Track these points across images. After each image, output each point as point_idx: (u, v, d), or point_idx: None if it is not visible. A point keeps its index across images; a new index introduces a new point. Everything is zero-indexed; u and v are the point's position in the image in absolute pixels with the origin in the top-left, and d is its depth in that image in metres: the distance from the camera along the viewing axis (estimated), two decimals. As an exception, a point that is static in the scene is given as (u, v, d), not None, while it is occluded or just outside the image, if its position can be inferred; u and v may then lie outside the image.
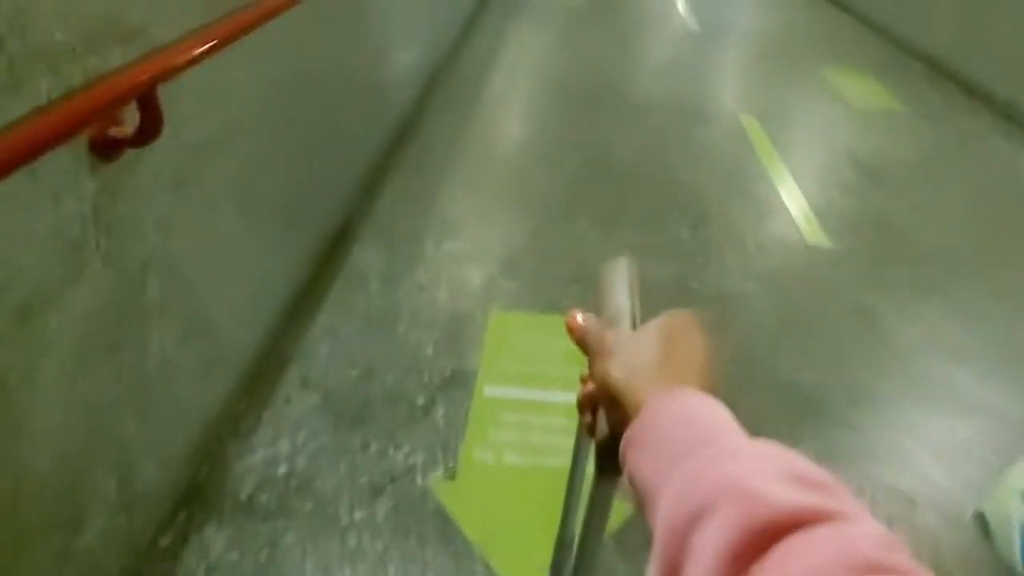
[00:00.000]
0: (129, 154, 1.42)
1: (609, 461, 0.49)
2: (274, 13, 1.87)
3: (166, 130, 1.42)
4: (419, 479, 1.92)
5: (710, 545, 0.34)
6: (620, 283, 0.60)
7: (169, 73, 1.44)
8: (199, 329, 1.89)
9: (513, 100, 4.73)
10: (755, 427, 0.43)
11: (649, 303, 0.59)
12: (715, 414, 0.44)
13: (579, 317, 0.56)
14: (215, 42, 1.53)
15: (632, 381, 0.48)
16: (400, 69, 4.00)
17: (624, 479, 0.46)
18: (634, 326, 0.55)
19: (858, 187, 3.75)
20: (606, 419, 0.51)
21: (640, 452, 0.44)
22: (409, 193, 3.42)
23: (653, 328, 0.52)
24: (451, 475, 1.95)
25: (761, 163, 3.97)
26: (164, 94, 1.39)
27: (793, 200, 3.55)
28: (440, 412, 2.16)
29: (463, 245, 3.05)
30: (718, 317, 2.64)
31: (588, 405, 0.55)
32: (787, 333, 2.59)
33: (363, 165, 3.37)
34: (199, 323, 1.88)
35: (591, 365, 0.54)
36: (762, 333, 2.58)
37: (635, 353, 0.50)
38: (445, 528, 1.79)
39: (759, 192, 3.64)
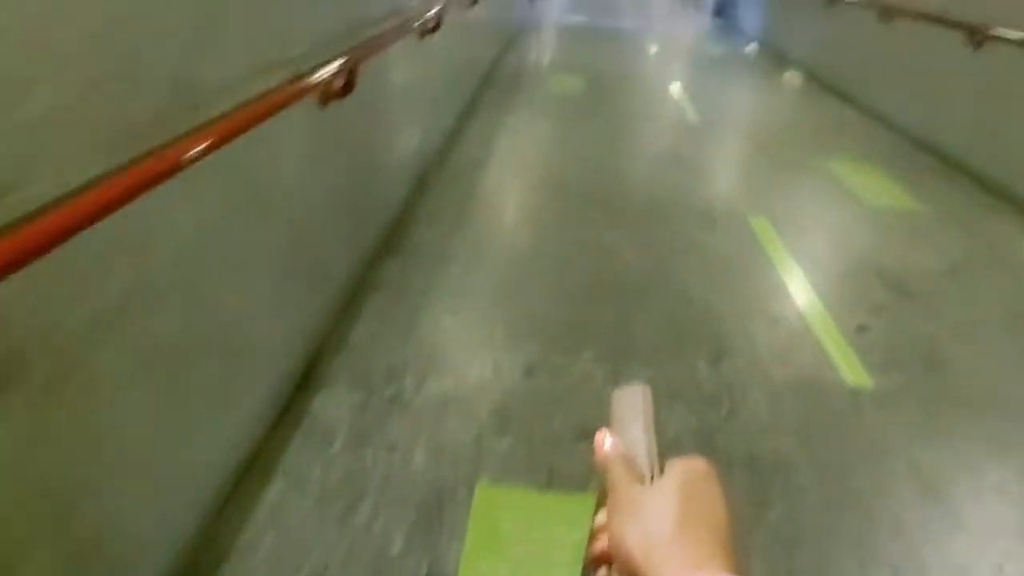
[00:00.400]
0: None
1: None
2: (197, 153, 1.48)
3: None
4: None
5: None
6: (635, 414, 0.57)
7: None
8: (88, 554, 1.42)
9: (506, 204, 4.38)
10: None
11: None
12: None
13: (607, 442, 0.56)
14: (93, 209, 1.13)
15: (652, 556, 0.47)
16: (384, 175, 3.66)
17: None
18: (651, 465, 0.53)
19: (890, 306, 3.36)
20: None
21: None
22: (389, 318, 3.00)
23: (670, 484, 0.51)
24: None
25: (780, 276, 3.59)
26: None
27: (822, 325, 3.15)
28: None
29: (447, 384, 2.61)
30: (753, 489, 2.19)
31: (600, 562, 0.52)
32: (837, 513, 2.13)
33: (337, 289, 2.96)
34: (87, 547, 1.42)
35: (609, 514, 0.52)
36: (807, 513, 2.12)
37: (653, 516, 0.49)
38: None
39: (782, 314, 3.24)
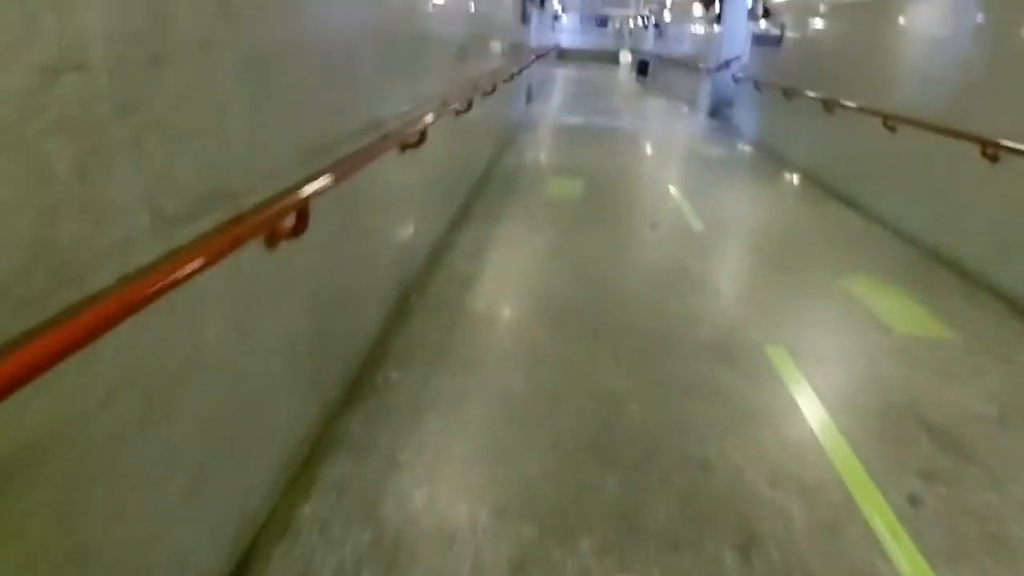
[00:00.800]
0: None
1: None
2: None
3: None
4: None
5: None
6: None
7: None
8: None
9: (494, 335, 3.94)
10: None
11: None
12: None
13: None
14: None
15: None
16: (356, 307, 3.23)
17: None
18: None
19: (943, 468, 2.86)
20: None
21: None
22: (346, 493, 2.49)
23: None
24: None
25: (809, 425, 3.11)
26: None
27: (867, 496, 2.64)
28: None
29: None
30: None
31: None
32: None
33: (287, 452, 2.47)
34: None
35: None
36: None
37: None
38: None
39: (819, 481, 2.73)
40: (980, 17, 5.67)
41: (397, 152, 3.71)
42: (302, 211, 2.15)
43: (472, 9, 6.12)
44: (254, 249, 2.04)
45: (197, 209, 1.73)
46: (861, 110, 7.36)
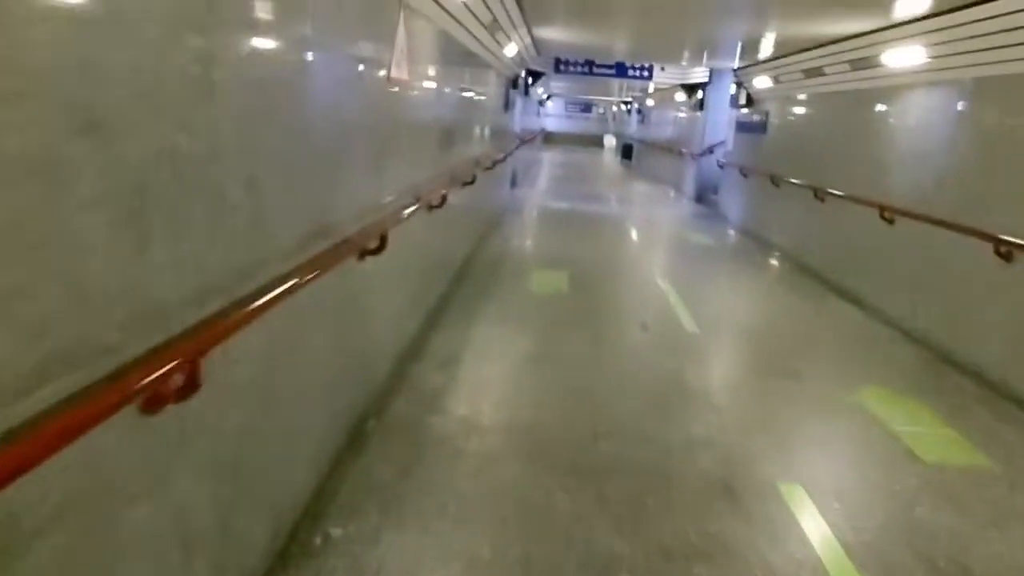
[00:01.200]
0: None
1: None
2: None
3: None
4: None
5: None
6: None
7: None
8: None
9: (461, 472, 3.35)
10: None
11: None
12: None
13: None
14: None
15: None
16: (285, 457, 2.67)
17: None
18: None
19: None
20: None
21: None
22: None
23: None
24: None
25: (843, 601, 2.53)
26: None
27: None
28: None
29: None
30: None
31: None
32: None
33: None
34: None
35: None
36: None
37: None
38: None
39: None
40: (986, 106, 5.44)
41: (355, 260, 3.25)
42: (191, 371, 1.63)
43: (447, 96, 5.84)
44: (127, 416, 1.52)
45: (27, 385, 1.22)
46: (856, 200, 7.08)
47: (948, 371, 5.16)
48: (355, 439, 3.45)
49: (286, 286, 2.22)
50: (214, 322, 1.78)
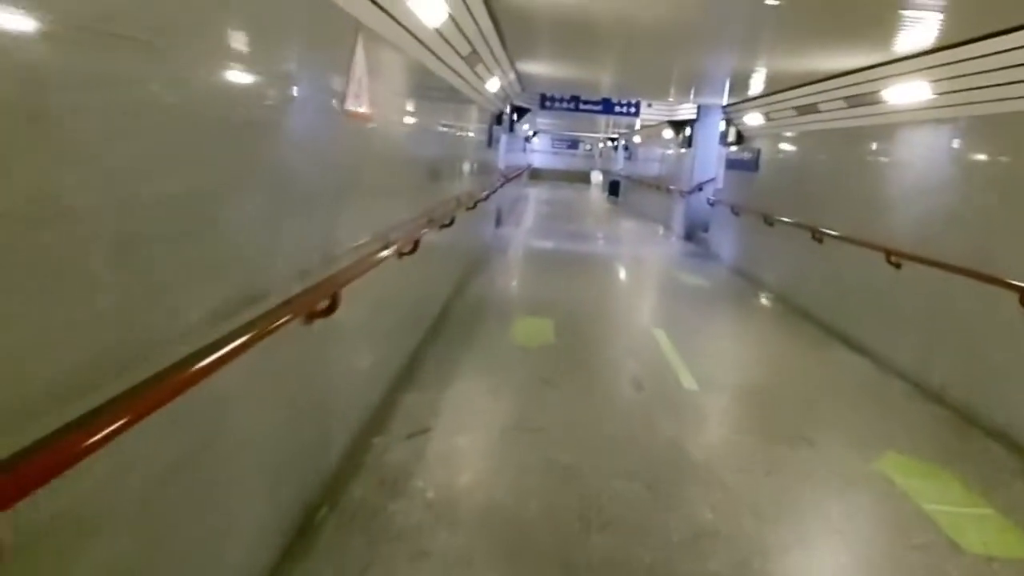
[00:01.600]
0: None
1: None
2: None
3: None
4: None
5: None
6: None
7: None
8: None
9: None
10: None
11: None
12: None
13: None
14: None
15: None
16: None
17: None
18: None
19: None
20: None
21: None
22: None
23: None
24: None
25: None
26: None
27: None
28: None
29: None
30: None
31: None
32: None
33: None
34: None
35: None
36: None
37: None
38: None
39: None
40: (1002, 144, 5.05)
41: (302, 324, 2.73)
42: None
43: (422, 132, 5.39)
44: None
45: None
46: (858, 242, 6.67)
47: (972, 433, 4.67)
48: (302, 534, 2.89)
49: (197, 367, 1.73)
50: (63, 440, 1.26)
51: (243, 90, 2.16)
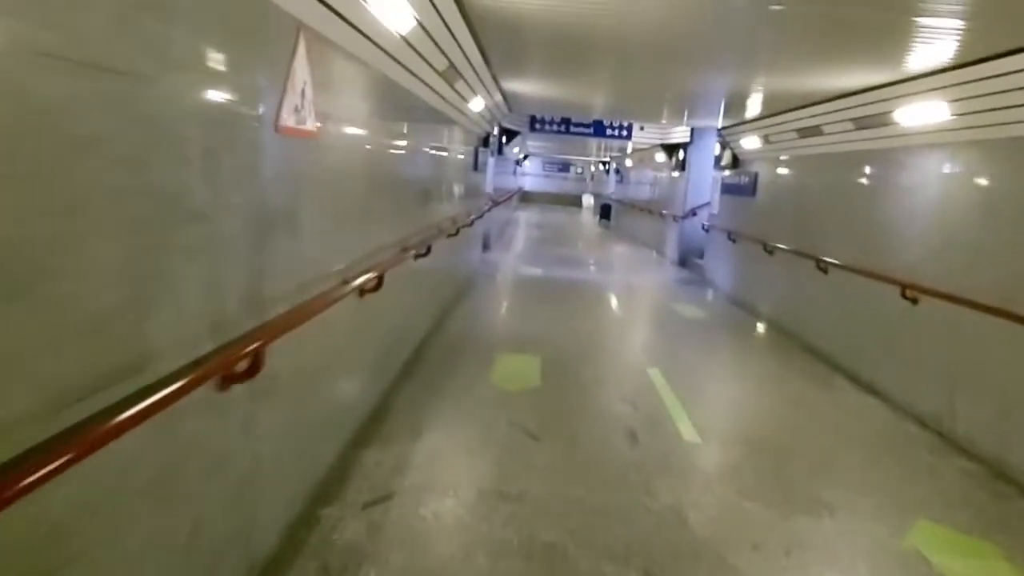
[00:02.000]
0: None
1: None
2: None
3: None
4: None
5: None
6: None
7: None
8: None
9: None
10: None
11: None
12: None
13: None
14: None
15: None
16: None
17: None
18: None
19: None
20: None
21: None
22: None
23: None
24: None
25: None
26: None
27: None
28: None
29: None
30: None
31: None
32: None
33: None
34: None
35: None
36: None
37: None
38: None
39: None
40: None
41: (216, 390, 2.18)
42: None
43: (392, 155, 4.87)
44: None
45: None
46: (868, 274, 6.17)
47: (1008, 492, 4.14)
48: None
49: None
50: None
51: (90, 91, 1.62)
